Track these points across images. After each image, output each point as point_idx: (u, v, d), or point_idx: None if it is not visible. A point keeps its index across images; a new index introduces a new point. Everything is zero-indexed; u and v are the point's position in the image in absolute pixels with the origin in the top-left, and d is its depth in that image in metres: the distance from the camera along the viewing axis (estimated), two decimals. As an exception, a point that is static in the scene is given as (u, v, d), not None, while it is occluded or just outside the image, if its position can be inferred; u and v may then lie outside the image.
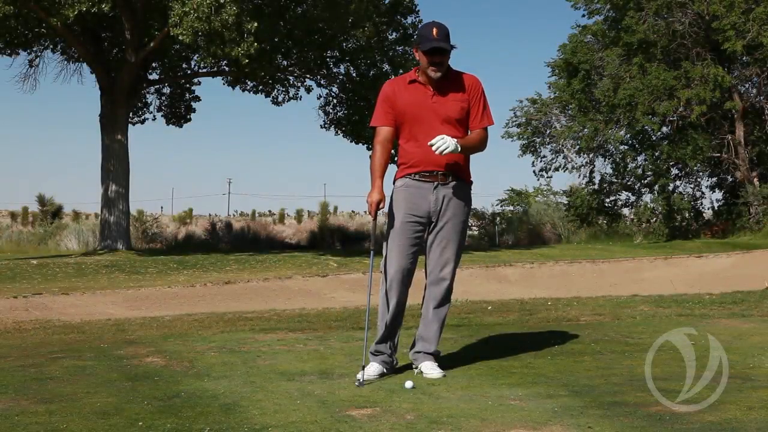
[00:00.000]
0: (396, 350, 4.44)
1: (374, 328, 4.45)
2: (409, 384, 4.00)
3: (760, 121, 24.26)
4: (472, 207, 4.58)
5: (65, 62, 22.86)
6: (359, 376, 4.11)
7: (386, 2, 20.98)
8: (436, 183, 4.32)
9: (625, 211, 26.74)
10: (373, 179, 4.33)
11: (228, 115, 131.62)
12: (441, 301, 4.41)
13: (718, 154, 24.12)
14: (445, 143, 4.17)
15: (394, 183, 4.44)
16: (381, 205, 4.32)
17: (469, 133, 4.40)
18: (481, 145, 4.40)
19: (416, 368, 4.39)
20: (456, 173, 4.35)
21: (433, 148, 4.17)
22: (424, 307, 4.46)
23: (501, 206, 29.46)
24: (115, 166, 20.20)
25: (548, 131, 27.12)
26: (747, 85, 25.11)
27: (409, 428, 3.24)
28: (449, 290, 4.42)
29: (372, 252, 4.49)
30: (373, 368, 4.29)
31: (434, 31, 4.21)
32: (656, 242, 22.96)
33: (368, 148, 21.15)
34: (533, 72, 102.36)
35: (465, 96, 4.33)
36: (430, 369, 4.31)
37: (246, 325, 6.74)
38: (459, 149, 4.22)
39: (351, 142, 22.86)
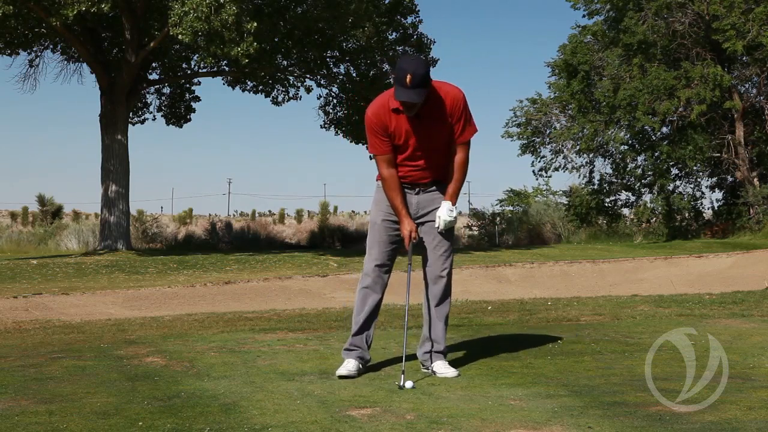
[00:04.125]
0: (370, 346, 4.48)
1: (369, 324, 4.48)
2: (409, 384, 4.01)
3: (760, 121, 24.26)
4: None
5: (65, 62, 22.89)
6: (401, 381, 4.03)
7: (386, 2, 20.98)
8: (417, 189, 4.40)
9: (625, 211, 26.76)
10: (399, 212, 4.33)
11: (228, 115, 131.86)
12: (441, 298, 4.44)
13: (718, 154, 24.11)
14: (445, 223, 4.33)
15: (377, 180, 4.49)
16: (414, 235, 4.32)
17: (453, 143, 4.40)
18: (465, 173, 4.42)
19: (427, 369, 4.42)
20: (437, 180, 4.42)
21: (442, 229, 4.35)
22: (425, 308, 4.48)
23: (501, 206, 29.44)
24: (115, 166, 20.20)
25: (548, 131, 27.13)
26: (747, 85, 25.14)
27: (409, 428, 3.24)
28: (448, 287, 4.46)
29: (410, 266, 4.43)
30: (351, 364, 4.33)
31: (408, 78, 4.06)
32: (656, 242, 22.97)
33: (368, 148, 21.09)
34: (533, 72, 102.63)
35: (447, 115, 4.27)
36: (444, 368, 4.34)
37: (246, 325, 6.73)
38: (454, 211, 4.36)
39: (351, 142, 22.88)
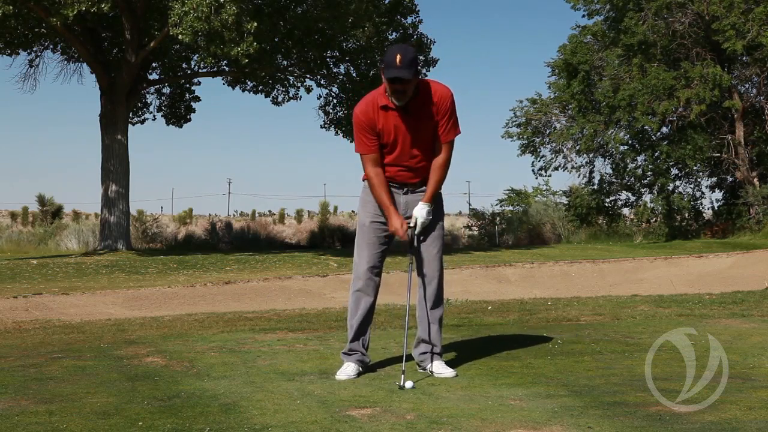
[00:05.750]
0: (367, 348, 4.48)
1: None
2: (409, 384, 4.01)
3: (760, 121, 24.26)
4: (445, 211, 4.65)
5: (65, 62, 22.89)
6: (402, 382, 4.05)
7: (386, 2, 20.97)
8: (406, 189, 4.41)
9: (625, 211, 26.76)
10: (387, 209, 4.33)
11: (228, 115, 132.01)
12: (436, 301, 4.46)
13: (718, 154, 24.12)
14: (421, 224, 4.31)
15: (362, 180, 4.48)
16: (405, 228, 4.32)
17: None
18: (446, 174, 4.41)
19: (424, 369, 4.43)
20: (426, 179, 4.40)
21: (418, 231, 4.34)
22: (420, 310, 4.49)
23: (501, 206, 29.41)
24: (115, 166, 20.20)
25: (548, 131, 27.13)
26: (747, 85, 25.14)
27: (409, 428, 3.24)
28: (441, 287, 4.47)
29: (410, 265, 4.46)
30: (351, 368, 4.34)
31: (398, 58, 4.09)
32: (656, 242, 22.97)
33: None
34: (533, 72, 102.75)
35: (434, 112, 4.27)
36: (441, 368, 4.36)
37: (246, 325, 6.74)
38: (430, 209, 4.34)
39: (351, 142, 22.80)
